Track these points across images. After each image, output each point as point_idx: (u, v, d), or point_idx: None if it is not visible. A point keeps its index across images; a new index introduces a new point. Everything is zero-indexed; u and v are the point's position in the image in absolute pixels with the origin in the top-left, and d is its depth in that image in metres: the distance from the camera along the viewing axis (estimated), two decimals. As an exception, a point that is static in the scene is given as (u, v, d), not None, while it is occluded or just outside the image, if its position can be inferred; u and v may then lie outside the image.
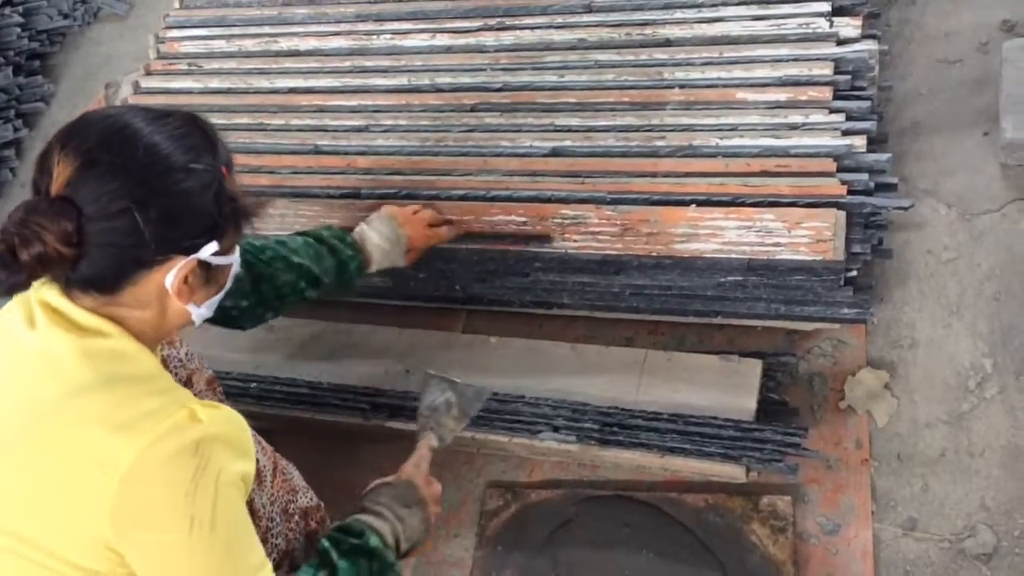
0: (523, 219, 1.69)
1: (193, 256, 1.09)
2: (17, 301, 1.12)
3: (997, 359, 1.57)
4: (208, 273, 1.14)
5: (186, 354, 1.35)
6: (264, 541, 1.19)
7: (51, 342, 1.07)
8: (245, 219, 1.17)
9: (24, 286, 1.06)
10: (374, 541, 1.26)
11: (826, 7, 1.81)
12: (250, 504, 1.17)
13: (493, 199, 1.73)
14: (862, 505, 1.49)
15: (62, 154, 1.05)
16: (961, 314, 1.64)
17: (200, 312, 1.16)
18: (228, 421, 1.10)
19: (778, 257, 1.58)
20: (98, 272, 1.06)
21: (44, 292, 1.09)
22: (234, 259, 1.18)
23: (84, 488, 1.01)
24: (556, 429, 1.58)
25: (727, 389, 1.56)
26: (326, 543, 1.24)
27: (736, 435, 1.51)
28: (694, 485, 1.54)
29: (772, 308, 1.64)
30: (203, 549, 1.03)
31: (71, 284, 1.08)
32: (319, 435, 1.68)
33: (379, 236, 1.61)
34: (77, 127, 1.09)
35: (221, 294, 1.20)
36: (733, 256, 1.60)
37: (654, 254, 1.64)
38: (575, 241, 1.68)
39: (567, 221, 1.67)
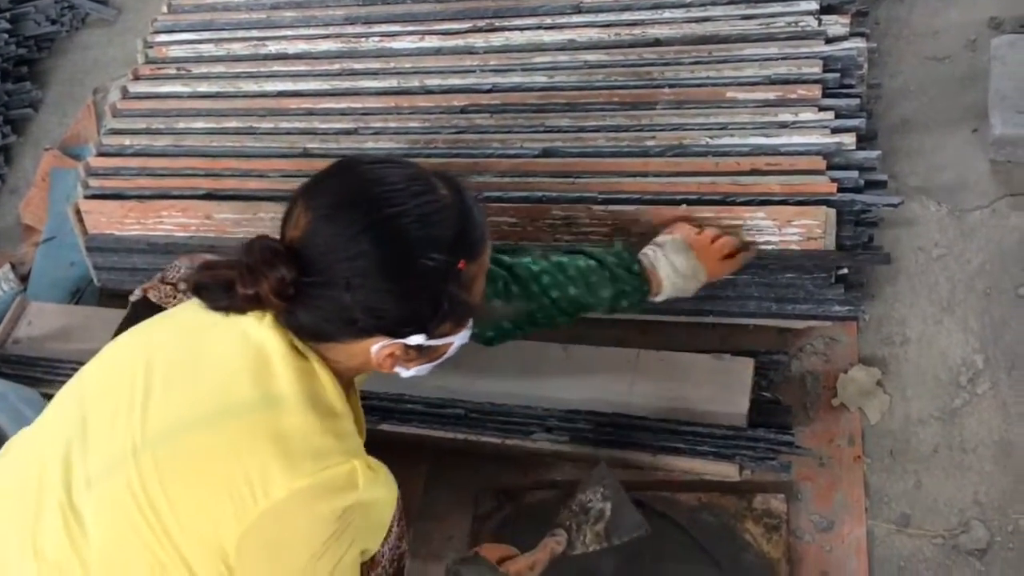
0: (514, 220, 1.69)
1: (399, 340, 1.08)
2: None
3: (988, 355, 1.58)
4: (421, 350, 1.12)
5: None
6: None
7: (270, 344, 1.06)
8: (468, 316, 1.13)
9: (238, 311, 1.06)
10: None
11: (814, 5, 1.81)
12: (373, 556, 1.17)
13: (484, 200, 1.72)
14: (855, 502, 1.49)
15: (306, 199, 1.06)
16: (952, 310, 1.64)
17: (409, 373, 1.16)
18: (386, 488, 1.11)
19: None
20: (308, 325, 1.07)
21: None
22: (455, 338, 1.14)
23: (231, 499, 1.00)
24: (549, 430, 1.58)
25: (720, 388, 1.56)
26: None
27: (729, 434, 1.51)
28: (687, 484, 1.54)
29: (763, 306, 1.64)
30: None
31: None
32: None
33: (672, 268, 1.47)
34: (332, 172, 1.10)
35: (437, 363, 1.18)
36: (724, 255, 1.60)
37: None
38: (566, 241, 1.68)
39: (558, 221, 1.67)
